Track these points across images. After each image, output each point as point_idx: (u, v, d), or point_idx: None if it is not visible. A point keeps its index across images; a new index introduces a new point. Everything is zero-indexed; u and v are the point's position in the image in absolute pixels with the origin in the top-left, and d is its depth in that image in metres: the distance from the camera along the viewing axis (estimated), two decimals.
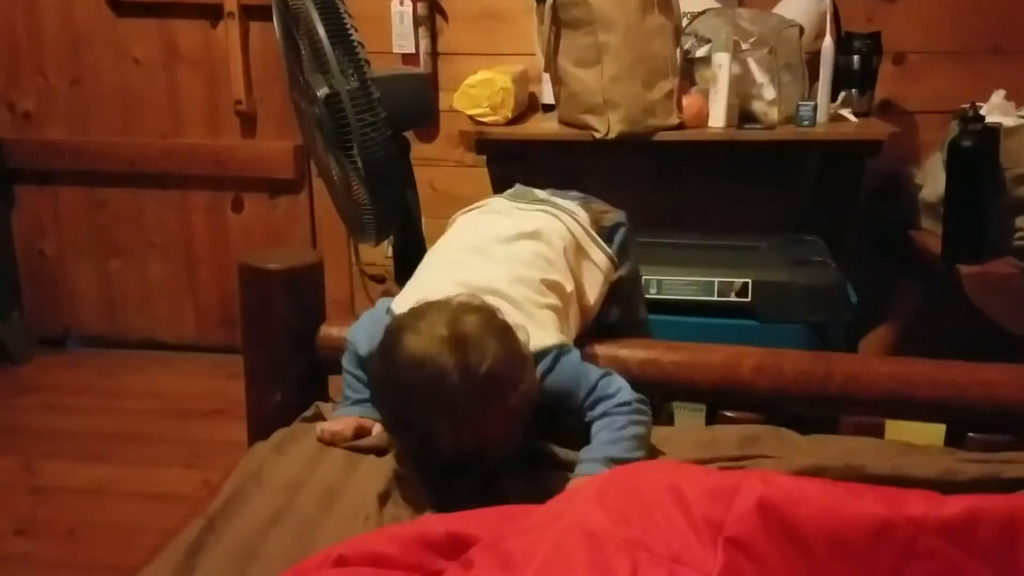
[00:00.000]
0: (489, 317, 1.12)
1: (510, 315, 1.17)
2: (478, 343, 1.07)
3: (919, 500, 0.83)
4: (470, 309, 1.12)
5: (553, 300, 1.31)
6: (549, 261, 1.35)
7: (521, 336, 1.14)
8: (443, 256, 1.40)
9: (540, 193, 1.51)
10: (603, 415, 1.21)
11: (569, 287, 1.35)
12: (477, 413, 1.06)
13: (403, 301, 1.26)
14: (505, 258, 1.32)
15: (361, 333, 1.31)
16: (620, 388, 1.23)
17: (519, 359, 1.12)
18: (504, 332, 1.12)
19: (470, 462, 1.09)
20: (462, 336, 1.08)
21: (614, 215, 1.54)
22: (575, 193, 1.56)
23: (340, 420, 1.31)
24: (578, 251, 1.41)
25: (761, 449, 1.21)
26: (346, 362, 1.36)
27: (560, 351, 1.24)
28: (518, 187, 1.56)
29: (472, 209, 1.49)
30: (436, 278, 1.31)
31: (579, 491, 0.92)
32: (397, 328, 1.12)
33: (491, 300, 1.18)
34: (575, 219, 1.44)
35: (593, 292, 1.42)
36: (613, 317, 1.53)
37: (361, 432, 1.28)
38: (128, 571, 1.03)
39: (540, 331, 1.22)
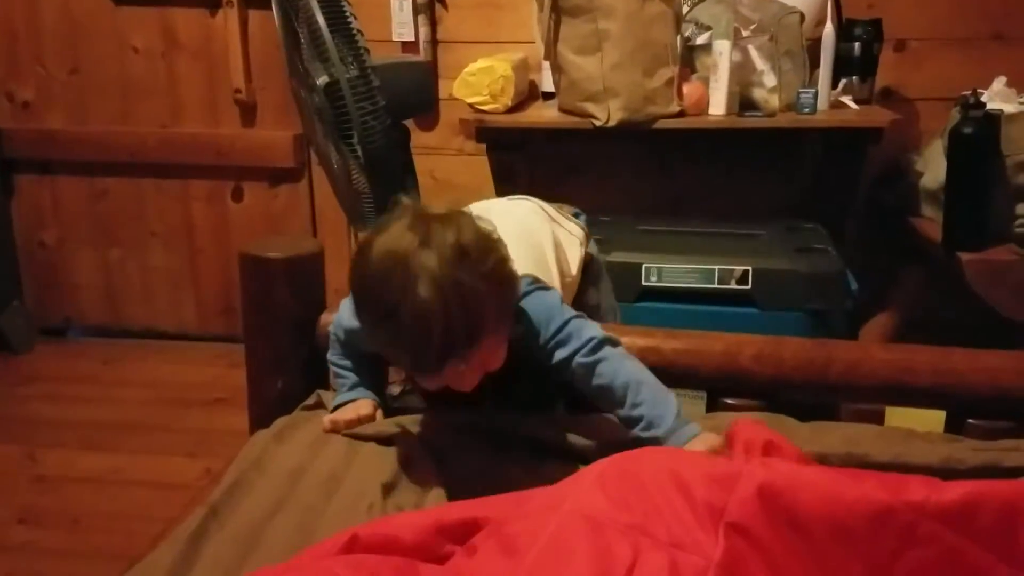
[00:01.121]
0: (452, 206, 1.12)
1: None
2: (445, 220, 1.07)
3: (919, 485, 0.83)
4: (436, 206, 1.11)
5: (540, 251, 1.35)
6: (538, 223, 1.41)
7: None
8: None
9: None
10: (571, 357, 1.18)
11: (551, 248, 1.39)
12: (459, 283, 1.02)
13: None
14: (499, 210, 1.37)
15: (344, 308, 1.30)
16: (589, 329, 1.20)
17: (490, 236, 1.10)
18: (471, 217, 1.11)
19: (464, 352, 1.05)
20: (426, 218, 1.07)
21: (569, 207, 1.59)
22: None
23: (342, 410, 1.32)
24: (553, 221, 1.47)
25: None
26: (331, 355, 1.36)
27: (537, 282, 1.24)
28: None
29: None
30: None
31: (580, 476, 0.92)
32: (366, 235, 1.11)
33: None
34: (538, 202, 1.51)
35: (573, 261, 1.46)
36: (593, 299, 1.55)
37: (363, 419, 1.29)
38: (131, 559, 1.03)
39: (523, 260, 1.21)
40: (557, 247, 1.43)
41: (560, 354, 1.19)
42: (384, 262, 1.05)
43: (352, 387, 1.34)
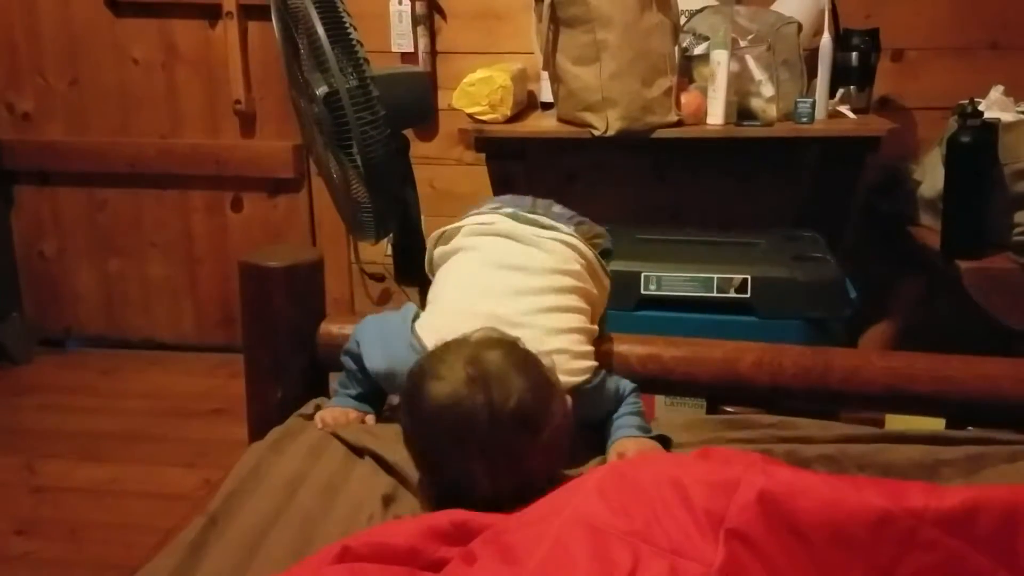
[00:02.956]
0: (510, 350, 1.10)
1: (536, 343, 1.15)
2: (502, 379, 1.05)
3: (919, 491, 0.83)
4: (491, 344, 1.09)
5: (581, 323, 1.32)
6: (573, 289, 1.34)
7: (546, 363, 1.12)
8: (464, 280, 1.36)
9: (540, 214, 1.45)
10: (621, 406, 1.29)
11: (588, 313, 1.36)
12: (511, 451, 1.03)
13: (426, 327, 1.25)
14: (530, 287, 1.30)
15: (375, 347, 1.29)
16: (624, 383, 1.31)
17: (546, 389, 1.09)
18: (527, 363, 1.09)
19: (510, 500, 1.02)
20: (485, 375, 1.05)
21: (604, 241, 1.53)
22: (564, 210, 1.51)
23: (331, 410, 1.34)
24: (593, 275, 1.41)
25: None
26: (349, 361, 1.35)
27: (603, 372, 1.28)
28: (510, 201, 1.49)
29: (480, 232, 1.41)
30: (459, 307, 1.29)
31: (580, 484, 0.92)
32: (419, 375, 1.09)
33: (515, 332, 1.16)
34: (584, 244, 1.43)
35: (598, 314, 1.43)
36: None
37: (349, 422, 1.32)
38: (130, 569, 1.03)
39: (578, 360, 1.24)
40: (593, 306, 1.40)
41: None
42: (438, 419, 1.05)
43: (352, 396, 1.36)
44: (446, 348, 1.11)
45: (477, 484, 1.03)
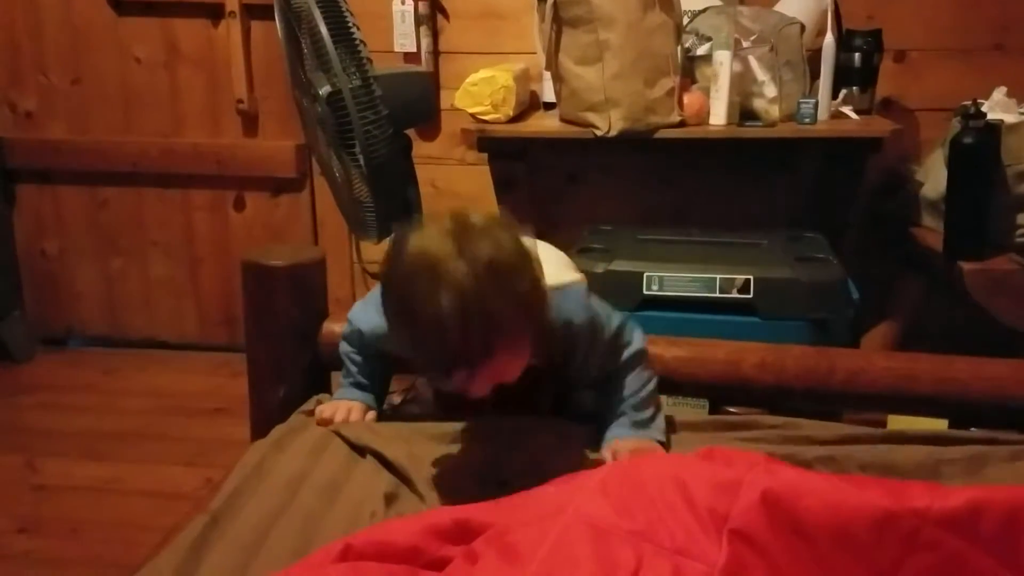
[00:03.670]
0: (497, 217, 1.10)
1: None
2: (483, 232, 1.05)
3: (922, 491, 0.83)
4: (478, 212, 1.09)
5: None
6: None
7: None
8: None
9: None
10: (624, 367, 1.25)
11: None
12: (483, 298, 1.01)
13: None
14: None
15: (368, 309, 1.30)
16: (637, 336, 1.28)
17: (528, 255, 1.08)
18: (512, 228, 1.08)
19: (473, 366, 1.04)
20: (467, 226, 1.05)
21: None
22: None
23: (334, 405, 1.35)
24: None
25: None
26: (345, 346, 1.37)
27: (585, 287, 1.28)
28: None
29: None
30: None
31: (583, 483, 0.92)
32: (404, 232, 1.09)
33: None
34: None
35: None
36: None
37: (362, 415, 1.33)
38: (131, 568, 1.03)
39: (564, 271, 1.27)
40: None
41: (614, 365, 1.26)
42: (415, 263, 1.04)
43: (353, 384, 1.37)
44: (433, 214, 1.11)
45: (447, 333, 1.00)
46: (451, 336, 1.01)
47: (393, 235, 1.12)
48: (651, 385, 1.27)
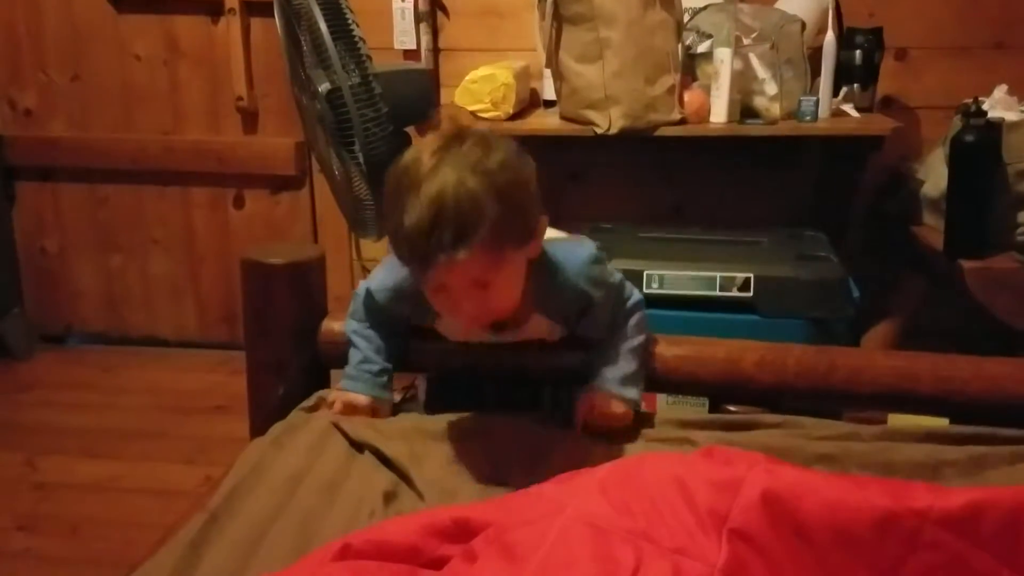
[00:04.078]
0: (506, 137, 1.15)
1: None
2: (477, 135, 1.12)
3: (923, 491, 0.83)
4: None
5: None
6: None
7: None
8: None
9: None
10: (627, 315, 1.32)
11: None
12: (463, 180, 1.05)
13: None
14: None
15: (380, 271, 1.34)
16: (635, 291, 1.35)
17: (525, 166, 1.14)
18: (512, 146, 1.14)
19: (452, 253, 1.05)
20: (462, 130, 1.13)
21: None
22: None
23: (341, 394, 1.34)
24: None
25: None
26: (352, 323, 1.38)
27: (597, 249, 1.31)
28: None
29: None
30: None
31: (582, 482, 0.92)
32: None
33: None
34: None
35: None
36: None
37: (356, 412, 1.33)
38: (131, 566, 1.03)
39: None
40: None
41: (616, 315, 1.31)
42: (414, 154, 1.10)
43: (362, 368, 1.35)
44: None
45: (427, 216, 1.04)
46: (431, 211, 1.04)
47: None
48: (645, 340, 1.33)
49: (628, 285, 1.35)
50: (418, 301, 1.23)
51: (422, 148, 1.10)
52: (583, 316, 1.30)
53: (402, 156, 1.12)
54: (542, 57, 2.35)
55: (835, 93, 2.37)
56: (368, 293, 1.35)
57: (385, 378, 1.37)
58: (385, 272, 1.32)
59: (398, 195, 1.08)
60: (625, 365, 1.30)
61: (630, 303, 1.34)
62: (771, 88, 2.30)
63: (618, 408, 1.27)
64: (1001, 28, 2.56)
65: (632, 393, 1.29)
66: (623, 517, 0.84)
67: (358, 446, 1.25)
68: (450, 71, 2.75)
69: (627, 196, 2.75)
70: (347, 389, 1.35)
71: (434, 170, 1.06)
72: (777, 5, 2.45)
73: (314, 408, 1.36)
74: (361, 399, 1.34)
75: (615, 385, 1.28)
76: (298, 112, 2.09)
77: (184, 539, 1.02)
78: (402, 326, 1.37)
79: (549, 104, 2.57)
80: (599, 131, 2.24)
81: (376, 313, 1.36)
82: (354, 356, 1.37)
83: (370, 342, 1.36)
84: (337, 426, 1.28)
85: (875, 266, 2.49)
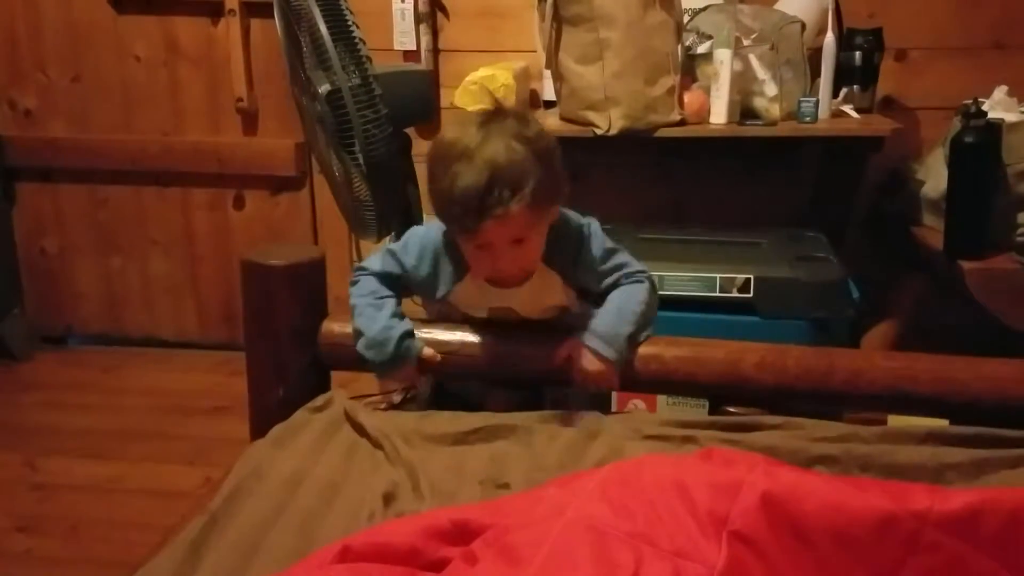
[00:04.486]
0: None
1: None
2: (513, 111, 1.31)
3: (923, 494, 0.83)
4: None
5: None
6: None
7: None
8: None
9: None
10: (627, 277, 1.41)
11: None
12: (513, 146, 1.22)
13: None
14: None
15: (393, 255, 1.43)
16: (640, 264, 1.44)
17: (550, 137, 1.30)
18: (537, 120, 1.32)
19: (505, 208, 1.20)
20: (497, 110, 1.31)
21: None
22: None
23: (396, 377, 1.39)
24: None
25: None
26: (360, 289, 1.42)
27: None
28: None
29: None
30: None
31: (582, 484, 0.92)
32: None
33: None
34: None
35: None
36: None
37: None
38: (131, 567, 1.03)
39: None
40: None
41: (608, 281, 1.40)
42: (456, 130, 1.26)
43: (393, 315, 1.38)
44: None
45: (479, 179, 1.19)
46: (487, 171, 1.20)
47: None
48: (646, 309, 1.39)
49: (634, 260, 1.43)
50: (434, 271, 1.38)
51: (464, 124, 1.25)
52: (578, 259, 1.39)
53: (442, 134, 1.27)
54: (542, 58, 2.35)
55: (835, 94, 2.36)
56: (392, 265, 1.41)
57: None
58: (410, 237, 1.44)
59: (447, 164, 1.22)
60: (613, 324, 1.34)
61: (631, 268, 1.41)
62: (771, 89, 2.30)
63: (590, 364, 1.32)
64: (1001, 29, 2.55)
65: (610, 353, 1.32)
66: (623, 519, 0.84)
67: (370, 437, 1.25)
68: (450, 72, 2.75)
69: (627, 197, 2.74)
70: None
71: (485, 139, 1.22)
72: (777, 6, 2.45)
73: (321, 408, 1.36)
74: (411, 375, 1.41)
75: (594, 340, 1.33)
76: (298, 113, 2.09)
77: (184, 540, 1.03)
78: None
79: (549, 105, 2.57)
80: (599, 132, 2.24)
81: (393, 281, 1.42)
82: (374, 318, 1.38)
83: (391, 297, 1.42)
84: (351, 418, 1.28)
85: (875, 266, 2.49)
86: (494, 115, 1.26)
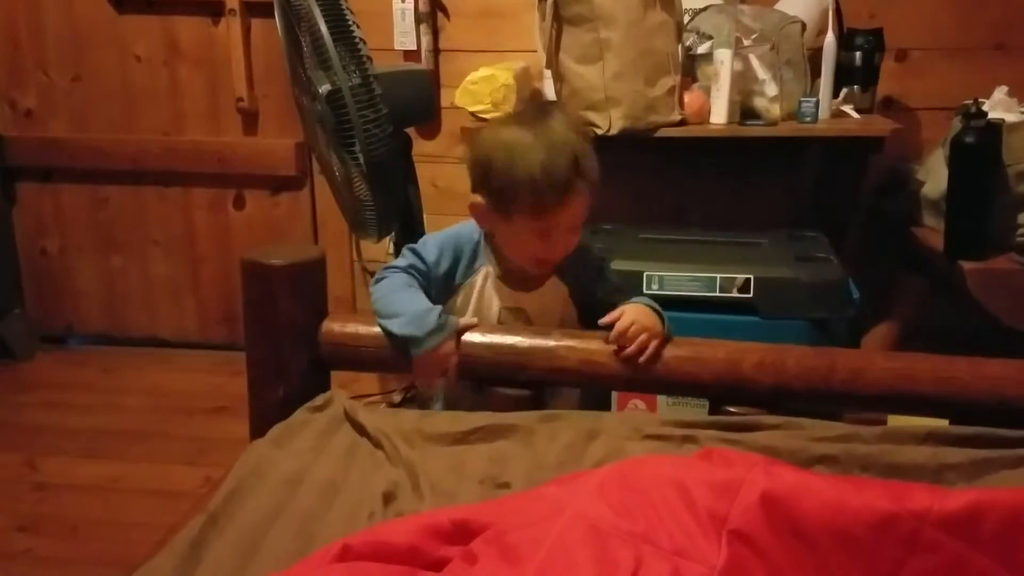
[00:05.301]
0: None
1: None
2: (558, 105, 1.52)
3: (923, 493, 0.83)
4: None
5: None
6: None
7: None
8: None
9: None
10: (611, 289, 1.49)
11: None
12: (568, 140, 1.33)
13: None
14: None
15: (431, 240, 1.50)
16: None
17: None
18: None
19: (583, 186, 1.33)
20: (544, 102, 1.50)
21: None
22: None
23: (445, 351, 1.37)
24: None
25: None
26: (383, 287, 1.43)
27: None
28: None
29: None
30: None
31: (582, 484, 0.92)
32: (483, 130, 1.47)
33: None
34: None
35: None
36: None
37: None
38: (131, 567, 1.03)
39: None
40: None
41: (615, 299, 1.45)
42: (506, 128, 1.38)
43: (430, 308, 1.38)
44: None
45: (545, 166, 1.30)
46: (565, 157, 1.31)
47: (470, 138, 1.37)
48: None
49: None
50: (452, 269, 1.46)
51: (511, 120, 1.38)
52: (599, 277, 1.51)
53: (494, 130, 1.39)
54: (542, 58, 2.35)
55: (835, 94, 2.37)
56: (416, 260, 1.45)
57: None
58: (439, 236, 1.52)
59: (522, 151, 1.32)
60: (646, 299, 1.42)
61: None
62: (771, 89, 2.30)
63: (649, 320, 1.34)
64: (1001, 29, 2.56)
65: (663, 321, 1.37)
66: (623, 519, 0.84)
67: (370, 437, 1.25)
68: (450, 72, 2.75)
69: (627, 197, 2.74)
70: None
71: (545, 128, 1.33)
72: (777, 6, 2.45)
73: (320, 408, 1.36)
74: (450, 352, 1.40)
75: (649, 301, 1.39)
76: (298, 113, 2.09)
77: (184, 540, 1.02)
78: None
79: None
80: (599, 132, 2.24)
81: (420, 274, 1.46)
82: (410, 309, 1.38)
83: (421, 291, 1.43)
84: (351, 418, 1.28)
85: (875, 267, 2.49)
86: (539, 108, 1.38)
